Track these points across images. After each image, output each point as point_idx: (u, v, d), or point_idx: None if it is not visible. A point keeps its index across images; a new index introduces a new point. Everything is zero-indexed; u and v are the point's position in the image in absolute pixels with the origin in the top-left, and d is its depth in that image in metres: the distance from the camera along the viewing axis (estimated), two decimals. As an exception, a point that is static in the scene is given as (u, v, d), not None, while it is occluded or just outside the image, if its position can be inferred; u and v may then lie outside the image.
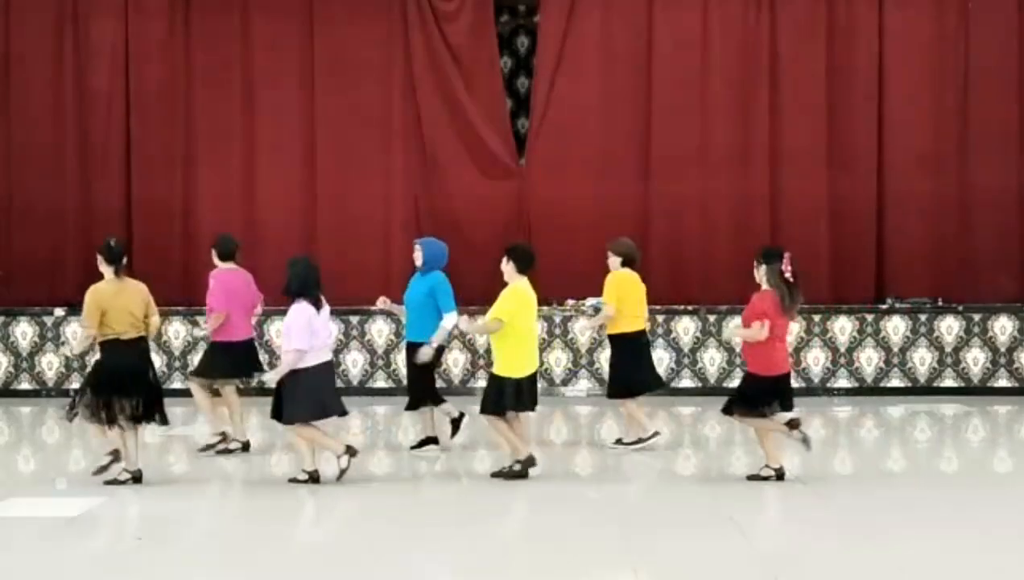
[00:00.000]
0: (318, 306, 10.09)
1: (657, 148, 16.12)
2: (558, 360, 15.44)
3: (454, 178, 16.21)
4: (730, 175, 16.09)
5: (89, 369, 10.60)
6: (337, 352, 15.40)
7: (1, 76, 16.32)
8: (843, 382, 15.49)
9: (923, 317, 15.52)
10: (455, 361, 15.24)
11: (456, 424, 11.48)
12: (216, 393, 11.68)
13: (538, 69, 16.24)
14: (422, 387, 11.35)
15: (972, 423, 13.94)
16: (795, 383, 15.25)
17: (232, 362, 11.47)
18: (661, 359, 15.45)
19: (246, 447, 11.48)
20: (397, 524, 9.03)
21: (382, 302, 11.55)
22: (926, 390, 15.37)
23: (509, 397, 10.22)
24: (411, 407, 11.42)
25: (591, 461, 11.36)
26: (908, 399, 15.09)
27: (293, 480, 10.13)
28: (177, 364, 15.25)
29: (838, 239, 16.10)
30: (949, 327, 15.50)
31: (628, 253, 11.70)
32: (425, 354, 11.02)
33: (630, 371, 11.57)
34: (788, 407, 10.16)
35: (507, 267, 10.42)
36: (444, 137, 16.20)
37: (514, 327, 10.15)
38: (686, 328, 15.46)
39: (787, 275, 9.91)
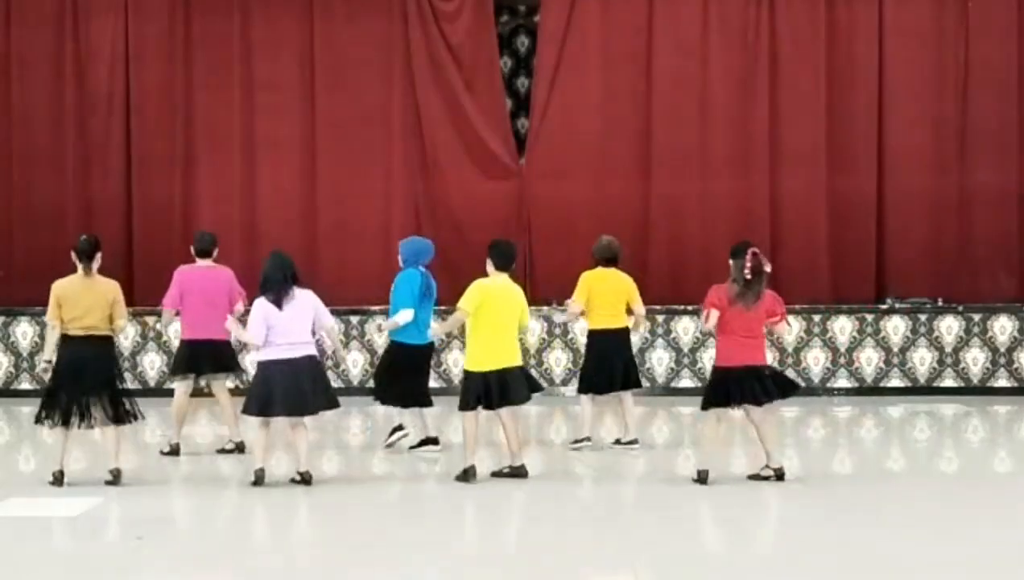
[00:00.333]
0: (279, 303, 9.99)
1: (657, 148, 16.13)
2: (558, 360, 15.45)
3: (454, 178, 16.22)
4: (730, 175, 16.10)
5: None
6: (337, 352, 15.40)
7: (1, 76, 16.33)
8: (843, 382, 15.49)
9: (923, 317, 15.53)
10: (455, 361, 15.25)
11: (394, 431, 11.53)
12: (207, 394, 11.65)
13: (538, 69, 16.25)
14: (393, 386, 11.42)
15: (972, 423, 13.95)
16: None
17: (190, 359, 11.41)
18: (661, 359, 15.48)
19: (240, 448, 11.44)
20: (398, 524, 9.03)
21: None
22: (926, 390, 15.38)
23: (472, 392, 10.18)
24: (379, 400, 11.60)
25: (591, 461, 11.35)
26: (908, 399, 15.10)
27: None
28: (177, 364, 15.24)
29: (838, 239, 16.11)
30: (949, 327, 15.50)
31: (600, 252, 11.65)
32: (387, 325, 11.38)
33: (589, 369, 11.68)
34: (751, 401, 10.05)
35: (488, 263, 10.41)
36: (444, 137, 16.21)
37: (479, 320, 10.11)
38: (686, 328, 15.47)
39: (746, 271, 9.87)
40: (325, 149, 16.27)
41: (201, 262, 11.48)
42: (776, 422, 10.44)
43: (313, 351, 10.12)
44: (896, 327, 15.51)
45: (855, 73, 16.12)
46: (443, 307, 12.72)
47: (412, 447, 11.55)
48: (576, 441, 11.72)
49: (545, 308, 14.99)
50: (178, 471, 11.00)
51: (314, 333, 10.16)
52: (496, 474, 10.35)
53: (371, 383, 15.18)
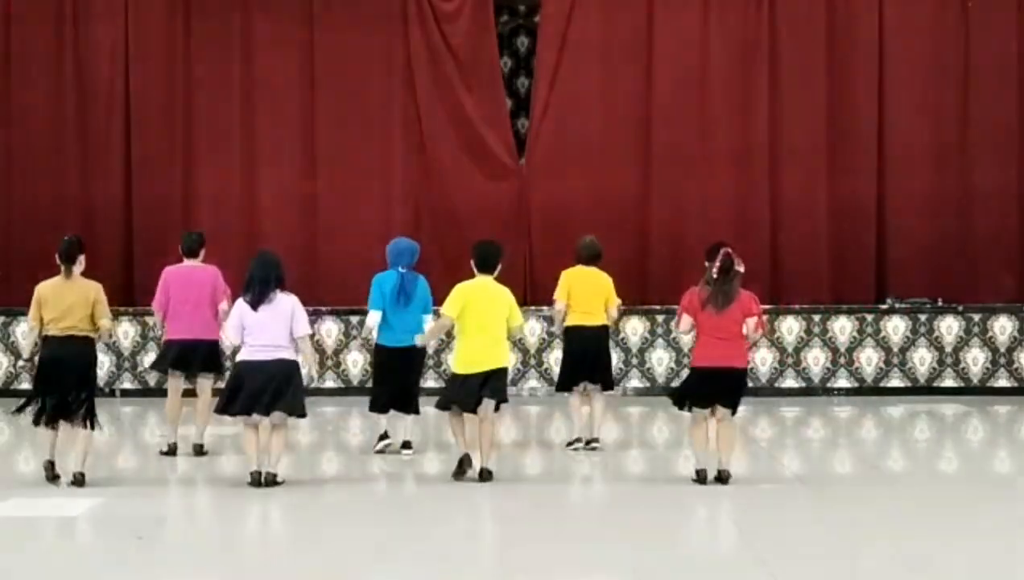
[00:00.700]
0: (255, 304, 9.93)
1: (657, 148, 16.13)
2: (558, 360, 15.42)
3: (454, 178, 16.21)
4: (730, 175, 16.10)
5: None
6: (337, 352, 15.43)
7: (1, 76, 16.32)
8: (843, 382, 15.49)
9: (923, 317, 15.52)
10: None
11: (382, 437, 11.43)
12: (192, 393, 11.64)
13: (538, 69, 16.25)
14: (372, 390, 11.43)
15: (972, 423, 13.95)
16: (795, 383, 15.42)
17: (176, 358, 11.40)
18: (661, 359, 15.47)
19: (198, 451, 11.35)
20: (399, 523, 9.03)
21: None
22: (926, 390, 15.38)
23: (453, 392, 10.21)
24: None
25: (590, 461, 11.35)
26: (908, 399, 15.10)
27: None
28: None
29: (838, 239, 16.11)
30: (949, 327, 15.50)
31: (582, 250, 11.67)
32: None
33: (566, 365, 11.72)
34: (725, 403, 10.03)
35: (472, 265, 10.41)
36: (444, 137, 16.21)
37: (463, 323, 10.12)
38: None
39: (713, 270, 9.86)
40: (325, 149, 16.26)
41: (187, 262, 11.48)
42: (735, 427, 10.35)
43: (287, 355, 9.96)
44: (896, 327, 15.51)
45: (855, 73, 16.12)
46: (438, 308, 12.67)
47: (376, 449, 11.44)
48: (570, 443, 11.70)
49: (545, 308, 15.00)
50: (177, 471, 10.99)
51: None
52: (458, 475, 10.26)
53: (371, 383, 15.22)
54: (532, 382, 15.47)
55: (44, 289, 10.08)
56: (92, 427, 10.09)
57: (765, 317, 10.43)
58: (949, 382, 15.48)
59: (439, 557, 8.16)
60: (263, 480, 9.90)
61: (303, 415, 10.22)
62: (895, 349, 15.49)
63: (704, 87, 16.14)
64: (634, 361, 15.50)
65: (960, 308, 15.57)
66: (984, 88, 16.04)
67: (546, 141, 16.16)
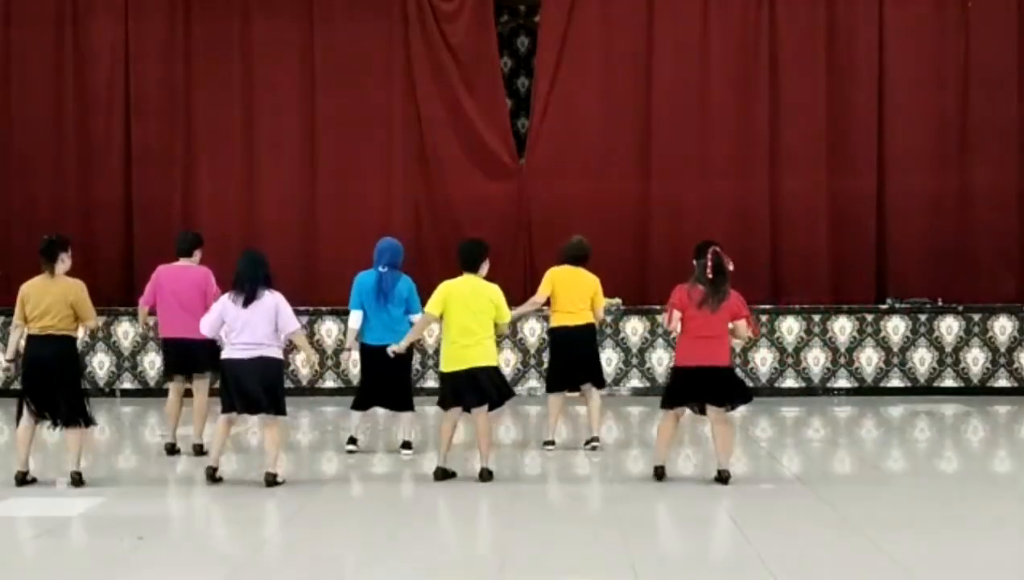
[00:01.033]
0: (238, 302, 9.93)
1: (657, 148, 16.14)
2: (558, 360, 15.43)
3: (454, 178, 16.22)
4: (730, 175, 16.11)
5: None
6: (337, 352, 15.43)
7: (1, 76, 16.33)
8: (843, 382, 15.49)
9: (923, 317, 15.53)
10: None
11: (352, 440, 11.50)
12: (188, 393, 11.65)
13: (538, 69, 16.26)
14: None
15: (972, 423, 13.94)
16: (795, 383, 15.43)
17: (172, 359, 11.46)
18: (661, 359, 15.47)
19: (198, 450, 11.38)
20: (399, 524, 9.03)
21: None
22: (926, 390, 15.39)
23: (443, 391, 10.27)
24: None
25: (590, 461, 11.35)
26: (908, 399, 15.10)
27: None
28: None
29: (838, 239, 16.11)
30: (949, 327, 15.50)
31: (568, 250, 11.70)
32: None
33: (553, 366, 11.77)
34: (713, 401, 10.03)
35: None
36: (444, 137, 16.21)
37: (446, 321, 10.19)
38: (686, 328, 15.44)
39: (708, 271, 9.91)
40: (325, 149, 16.27)
41: (181, 261, 11.49)
42: (732, 426, 10.36)
43: (269, 353, 9.97)
44: (896, 327, 15.52)
45: (855, 73, 16.12)
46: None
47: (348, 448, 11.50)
48: (546, 443, 11.72)
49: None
50: (177, 471, 10.99)
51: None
52: (440, 475, 10.26)
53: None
54: (532, 382, 15.47)
55: (26, 288, 10.12)
56: (86, 425, 10.10)
57: (753, 317, 10.45)
58: (949, 382, 15.49)
59: (439, 557, 8.16)
60: (217, 477, 10.05)
61: (283, 414, 10.23)
62: (895, 349, 15.49)
63: (704, 87, 16.14)
64: (634, 361, 15.50)
65: (960, 308, 15.57)
66: (984, 88, 16.04)
67: (546, 141, 16.17)
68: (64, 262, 10.13)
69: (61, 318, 9.96)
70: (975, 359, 15.50)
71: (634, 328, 15.46)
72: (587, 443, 11.60)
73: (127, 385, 15.68)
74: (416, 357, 15.44)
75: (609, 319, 15.32)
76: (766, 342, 15.46)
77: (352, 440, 11.48)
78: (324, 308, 15.48)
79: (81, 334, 10.47)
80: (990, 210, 16.04)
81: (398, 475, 10.78)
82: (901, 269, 16.08)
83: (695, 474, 10.58)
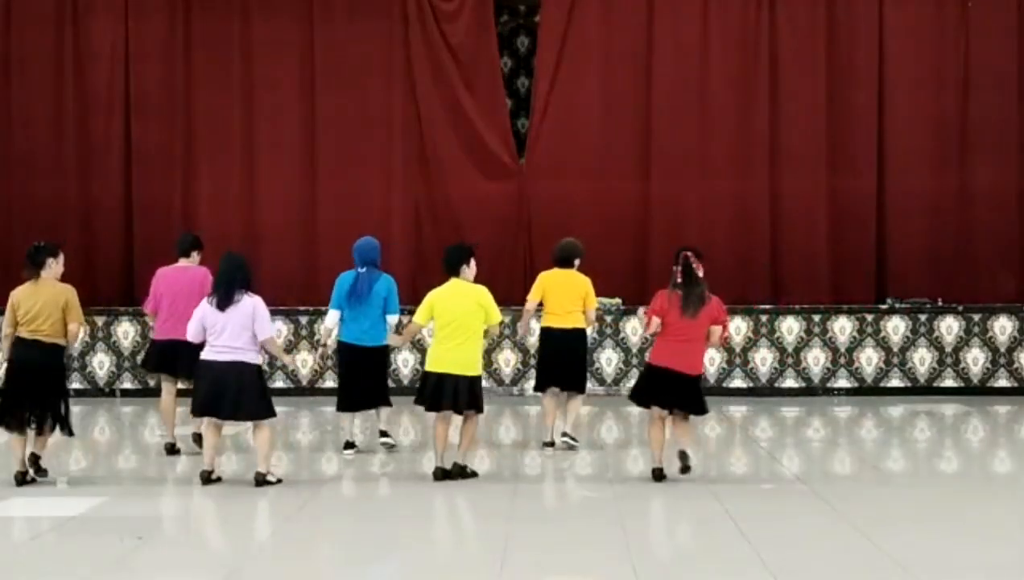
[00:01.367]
0: (215, 305, 9.91)
1: (657, 148, 16.14)
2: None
3: (454, 178, 16.22)
4: (730, 175, 16.11)
5: None
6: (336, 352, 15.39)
7: (1, 77, 16.32)
8: (843, 382, 15.49)
9: (923, 317, 15.52)
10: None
11: (348, 446, 11.50)
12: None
13: (538, 69, 16.26)
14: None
15: (972, 423, 13.94)
16: (795, 383, 15.42)
17: (156, 359, 11.45)
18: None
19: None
20: (398, 523, 9.03)
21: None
22: (926, 390, 15.38)
23: (426, 389, 10.28)
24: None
25: (590, 461, 11.36)
26: (908, 399, 15.10)
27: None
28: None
29: (838, 239, 16.11)
30: (949, 327, 15.50)
31: (555, 253, 11.72)
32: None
33: (540, 365, 11.84)
34: (681, 407, 10.07)
35: None
36: (444, 137, 16.21)
37: (435, 324, 10.26)
38: (686, 328, 15.43)
39: (677, 275, 9.97)
40: (325, 149, 16.27)
41: (180, 262, 11.50)
42: (690, 424, 10.36)
43: (245, 358, 9.93)
44: (896, 327, 15.51)
45: (855, 73, 16.12)
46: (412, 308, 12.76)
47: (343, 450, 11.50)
48: (545, 444, 11.72)
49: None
50: (177, 471, 10.99)
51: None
52: (440, 475, 10.26)
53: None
54: (532, 382, 15.44)
55: (16, 293, 10.11)
56: (67, 434, 10.18)
57: (738, 317, 10.50)
58: (949, 382, 15.48)
59: (439, 557, 8.16)
60: (211, 478, 10.06)
61: (271, 415, 10.16)
62: (895, 349, 15.49)
63: (704, 87, 16.14)
64: (634, 361, 15.49)
65: (960, 308, 15.57)
66: (984, 88, 16.04)
67: (546, 141, 16.16)
68: (51, 268, 10.11)
69: (52, 323, 9.95)
70: (975, 359, 15.49)
71: (634, 328, 15.45)
72: (563, 435, 11.59)
73: (127, 385, 15.68)
74: (416, 357, 15.47)
75: (609, 319, 15.33)
76: (766, 342, 15.45)
77: (349, 445, 11.46)
78: (324, 308, 15.42)
79: (76, 342, 10.45)
80: (990, 210, 16.04)
81: (397, 475, 10.78)
82: (901, 269, 16.08)
83: (695, 474, 10.57)
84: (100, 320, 15.48)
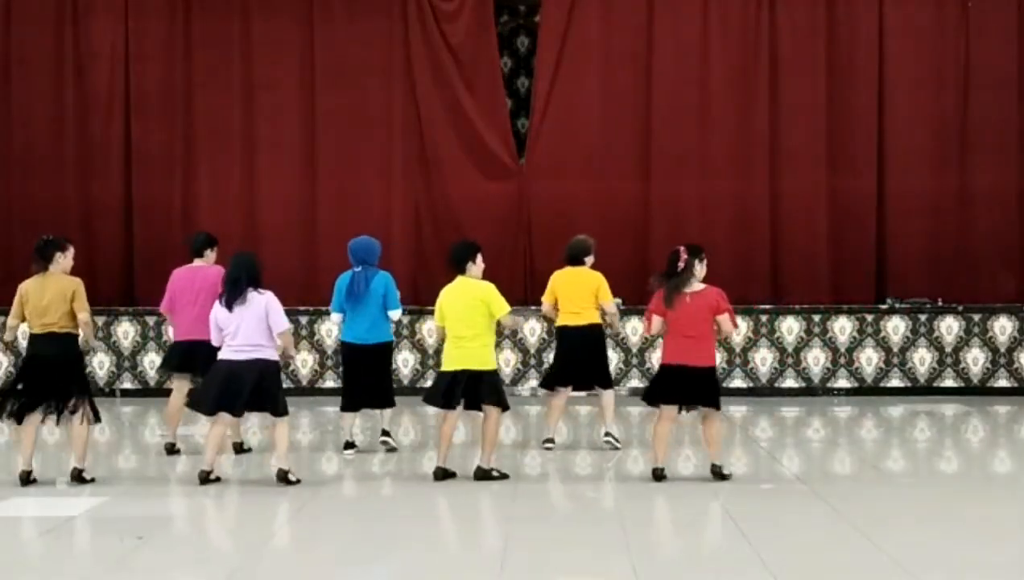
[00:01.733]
0: (228, 305, 9.92)
1: (657, 148, 16.14)
2: (558, 360, 15.43)
3: (454, 178, 16.22)
4: (730, 175, 16.11)
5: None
6: (337, 352, 15.40)
7: (1, 77, 16.33)
8: (843, 382, 15.49)
9: (923, 317, 15.53)
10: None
11: (348, 445, 11.51)
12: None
13: (538, 69, 16.26)
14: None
15: (972, 423, 13.94)
16: (795, 383, 15.43)
17: (177, 360, 11.46)
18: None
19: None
20: (399, 523, 9.03)
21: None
22: (926, 390, 15.39)
23: (439, 388, 10.30)
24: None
25: (590, 461, 11.36)
26: (908, 399, 15.10)
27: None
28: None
29: (838, 239, 16.12)
30: (949, 327, 15.50)
31: (566, 252, 11.73)
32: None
33: (553, 365, 11.88)
34: (704, 403, 10.08)
35: None
36: (444, 137, 16.22)
37: (446, 323, 10.27)
38: (686, 328, 15.44)
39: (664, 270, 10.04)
40: (325, 149, 16.28)
41: (195, 262, 11.50)
42: (720, 423, 10.36)
43: (263, 355, 9.95)
44: (896, 327, 15.51)
45: (855, 73, 16.13)
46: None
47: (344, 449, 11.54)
48: (545, 441, 11.74)
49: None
50: (177, 471, 10.99)
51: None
52: (440, 475, 10.27)
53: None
54: (532, 382, 15.47)
55: (25, 285, 10.16)
56: (93, 421, 10.11)
57: (739, 317, 10.50)
58: (949, 382, 15.49)
59: (439, 557, 8.16)
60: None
61: (286, 414, 10.20)
62: (895, 349, 15.49)
63: (704, 87, 16.15)
64: (634, 361, 15.50)
65: (960, 308, 15.57)
66: (984, 88, 16.04)
67: (546, 141, 16.17)
68: (59, 262, 10.14)
69: (61, 315, 9.98)
70: (975, 359, 15.50)
71: (634, 328, 15.46)
72: (605, 436, 11.64)
73: (127, 385, 15.68)
74: (416, 357, 15.49)
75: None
76: (766, 342, 15.46)
77: (349, 445, 11.47)
78: (324, 308, 15.44)
79: (91, 330, 10.43)
80: (990, 210, 16.05)
81: (398, 475, 10.78)
82: (901, 269, 16.08)
83: (695, 474, 10.57)
84: (100, 320, 15.48)
